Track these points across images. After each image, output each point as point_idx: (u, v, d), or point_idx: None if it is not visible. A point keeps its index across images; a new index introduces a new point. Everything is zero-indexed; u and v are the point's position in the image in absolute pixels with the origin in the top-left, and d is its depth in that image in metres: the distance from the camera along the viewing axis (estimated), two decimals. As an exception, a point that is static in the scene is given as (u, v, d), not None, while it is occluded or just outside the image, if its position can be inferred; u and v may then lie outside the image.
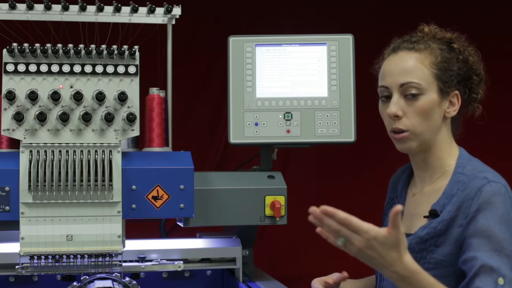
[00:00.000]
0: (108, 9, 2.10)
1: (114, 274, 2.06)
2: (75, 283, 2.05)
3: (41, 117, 1.91)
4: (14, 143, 2.02)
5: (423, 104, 1.73)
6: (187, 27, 3.23)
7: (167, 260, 2.25)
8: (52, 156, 1.91)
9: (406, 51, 1.77)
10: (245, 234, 2.38)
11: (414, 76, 1.73)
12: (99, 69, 1.97)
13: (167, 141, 2.16)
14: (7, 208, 1.92)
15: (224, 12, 3.58)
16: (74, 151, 1.93)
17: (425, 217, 1.73)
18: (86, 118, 1.93)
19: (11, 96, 1.91)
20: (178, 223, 2.24)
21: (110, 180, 1.93)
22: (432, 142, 1.77)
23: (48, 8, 2.06)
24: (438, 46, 1.78)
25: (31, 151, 1.91)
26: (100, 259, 1.96)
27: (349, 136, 2.29)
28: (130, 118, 1.95)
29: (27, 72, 1.94)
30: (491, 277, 1.55)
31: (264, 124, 2.29)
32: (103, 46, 1.96)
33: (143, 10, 2.12)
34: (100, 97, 1.94)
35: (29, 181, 1.89)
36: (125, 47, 1.97)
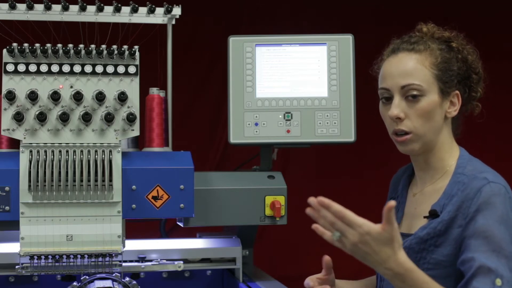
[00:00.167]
0: (108, 9, 2.10)
1: (114, 274, 2.06)
2: (75, 283, 2.05)
3: (41, 117, 1.91)
4: (14, 143, 2.02)
5: (424, 105, 1.73)
6: (187, 27, 3.23)
7: (167, 260, 2.25)
8: (52, 156, 1.91)
9: (406, 52, 1.77)
10: (245, 234, 2.38)
11: (415, 77, 1.73)
12: (99, 69, 1.97)
13: (167, 141, 2.16)
14: (7, 208, 1.92)
15: (224, 12, 3.58)
16: (74, 151, 1.93)
17: (425, 217, 1.73)
18: (86, 118, 1.93)
19: (11, 96, 1.91)
20: (178, 223, 2.24)
21: (110, 180, 1.93)
22: (434, 143, 1.77)
23: (48, 8, 2.06)
24: (438, 46, 1.78)
25: (31, 151, 1.91)
26: (100, 259, 1.96)
27: (349, 136, 2.29)
28: (130, 118, 1.95)
29: (27, 72, 1.94)
30: (488, 278, 1.55)
31: (264, 124, 2.29)
32: (103, 46, 1.96)
33: (143, 10, 2.12)
34: (100, 97, 1.94)
35: (29, 181, 1.89)
36: (125, 47, 1.97)
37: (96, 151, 1.94)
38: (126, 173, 1.97)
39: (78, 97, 1.93)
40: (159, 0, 2.16)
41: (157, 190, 2.01)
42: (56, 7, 2.07)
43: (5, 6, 2.04)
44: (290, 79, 2.31)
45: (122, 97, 1.95)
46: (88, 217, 1.94)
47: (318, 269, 1.80)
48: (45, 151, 1.92)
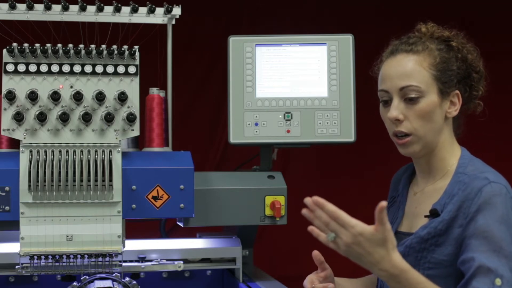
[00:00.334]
0: (108, 9, 2.10)
1: (114, 274, 2.06)
2: (75, 283, 2.05)
3: (41, 117, 1.91)
4: (14, 143, 2.02)
5: (423, 106, 1.72)
6: (187, 27, 3.23)
7: (167, 260, 2.25)
8: (52, 156, 1.91)
9: (404, 54, 1.77)
10: (245, 234, 2.38)
11: (413, 79, 1.73)
12: (99, 69, 1.96)
13: (167, 141, 2.16)
14: (7, 208, 1.92)
15: (224, 12, 3.58)
16: (74, 151, 1.93)
17: (425, 216, 1.73)
18: (86, 118, 1.93)
19: (11, 96, 1.91)
20: (178, 223, 2.24)
21: (110, 180, 1.93)
22: (435, 143, 1.76)
23: (48, 8, 2.06)
24: (437, 47, 1.77)
25: (31, 151, 1.91)
26: (100, 259, 1.96)
27: (349, 136, 2.29)
28: (130, 118, 1.95)
29: (27, 72, 1.94)
30: (488, 278, 1.55)
31: (264, 124, 2.29)
32: (103, 46, 1.96)
33: (143, 10, 2.12)
34: (100, 97, 1.94)
35: (29, 181, 1.89)
36: (125, 47, 1.97)
37: (96, 151, 1.94)
38: (126, 173, 1.97)
39: (78, 97, 1.93)
40: (159, 0, 2.16)
41: (157, 190, 2.01)
42: (56, 7, 2.07)
43: (5, 6, 2.04)
44: (290, 79, 2.31)
45: (122, 97, 1.95)
46: (88, 217, 1.94)
47: (318, 269, 1.80)
48: (45, 151, 1.91)
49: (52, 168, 1.90)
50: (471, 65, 1.80)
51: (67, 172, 1.91)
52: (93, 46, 1.95)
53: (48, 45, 1.94)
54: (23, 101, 1.92)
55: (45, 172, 1.90)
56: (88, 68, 1.96)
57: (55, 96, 1.92)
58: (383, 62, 1.81)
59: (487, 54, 1.87)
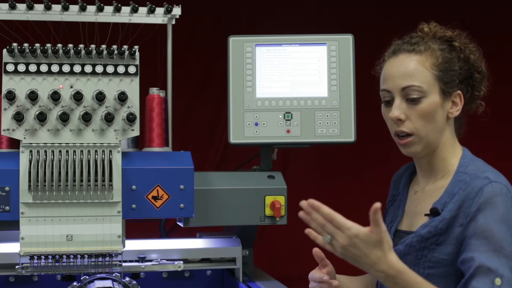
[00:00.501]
0: (108, 9, 2.10)
1: (114, 274, 2.06)
2: (75, 283, 2.05)
3: (41, 117, 1.91)
4: (14, 143, 2.02)
5: (425, 106, 1.72)
6: (187, 27, 3.23)
7: (167, 260, 2.25)
8: (52, 156, 1.91)
9: (407, 54, 1.77)
10: (245, 234, 2.38)
11: (415, 79, 1.73)
12: (99, 69, 1.96)
13: (167, 141, 2.16)
14: (7, 208, 1.92)
15: (224, 12, 3.58)
16: (74, 151, 1.93)
17: (426, 215, 1.73)
18: (86, 118, 1.93)
19: (11, 96, 1.90)
20: (178, 223, 2.24)
21: (110, 180, 1.93)
22: (437, 143, 1.76)
23: (48, 8, 2.06)
24: (439, 47, 1.77)
25: (31, 151, 1.91)
26: (100, 259, 1.96)
27: (349, 136, 2.29)
28: (130, 118, 1.95)
29: (27, 72, 1.94)
30: (488, 278, 1.55)
31: (264, 124, 2.29)
32: (103, 46, 1.96)
33: (143, 10, 2.12)
34: (100, 97, 1.94)
35: (29, 181, 1.89)
36: (125, 47, 1.97)
37: (96, 151, 1.94)
38: (126, 173, 1.97)
39: (78, 97, 1.93)
40: (159, 0, 2.16)
41: (157, 190, 2.01)
42: (56, 7, 2.07)
43: (5, 6, 2.04)
44: (290, 79, 2.31)
45: (122, 97, 1.95)
46: (88, 217, 1.94)
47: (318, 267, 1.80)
48: (45, 151, 1.91)
49: (52, 168, 1.90)
50: (473, 65, 1.79)
51: (67, 172, 1.91)
52: (93, 46, 1.95)
53: (48, 45, 1.94)
54: (23, 101, 1.92)
55: (45, 172, 1.90)
56: (88, 68, 1.96)
57: (55, 96, 1.92)
58: (385, 62, 1.81)
59: (487, 54, 1.87)
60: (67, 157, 1.92)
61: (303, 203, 1.55)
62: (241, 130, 2.28)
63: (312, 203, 1.54)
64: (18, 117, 1.90)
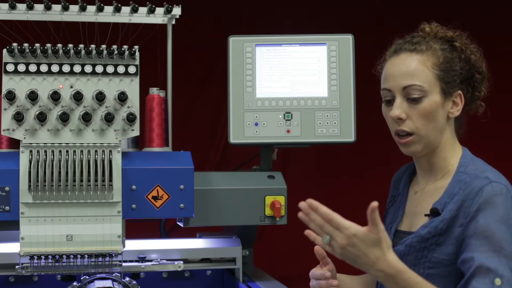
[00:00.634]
0: (108, 9, 2.10)
1: (114, 274, 2.06)
2: (75, 283, 2.05)
3: (41, 117, 1.91)
4: (14, 143, 2.02)
5: (426, 106, 1.72)
6: (187, 27, 3.23)
7: (167, 260, 2.25)
8: (52, 156, 1.91)
9: (408, 53, 1.77)
10: (245, 234, 2.38)
11: (416, 78, 1.73)
12: (99, 69, 1.96)
13: (167, 141, 2.16)
14: (7, 208, 1.92)
15: (224, 12, 3.58)
16: (74, 151, 1.93)
17: (426, 215, 1.73)
18: (86, 118, 1.93)
19: (11, 96, 1.90)
20: (178, 223, 2.24)
21: (110, 180, 1.93)
22: (437, 143, 1.76)
23: (48, 8, 2.06)
24: (440, 47, 1.77)
25: (31, 151, 1.91)
26: (100, 259, 1.96)
27: (349, 136, 2.29)
28: (130, 118, 1.95)
29: (27, 72, 1.94)
30: (487, 278, 1.55)
31: (264, 124, 2.29)
32: (103, 46, 1.96)
33: (143, 10, 2.12)
34: (100, 97, 1.94)
35: (29, 181, 1.89)
36: (125, 47, 1.97)
37: (96, 151, 1.94)
38: (126, 173, 1.97)
39: (78, 97, 1.93)
40: (159, 0, 2.16)
41: (157, 190, 2.01)
42: (56, 7, 2.07)
43: (5, 6, 2.04)
44: (290, 79, 2.31)
45: (122, 97, 1.95)
46: (88, 217, 1.94)
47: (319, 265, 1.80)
48: (45, 151, 1.91)
49: (52, 168, 1.90)
50: (474, 65, 1.80)
51: (67, 172, 1.91)
52: (93, 46, 1.95)
53: (48, 45, 1.94)
54: (23, 101, 1.92)
55: (45, 172, 1.90)
56: (88, 68, 1.96)
57: (55, 96, 1.92)
58: (387, 61, 1.82)
59: (487, 54, 1.87)
60: (67, 157, 1.92)
61: (302, 204, 1.55)
62: (241, 130, 2.28)
63: (310, 203, 1.54)
64: (18, 117, 1.90)
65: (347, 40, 2.31)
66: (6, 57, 1.93)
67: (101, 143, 1.95)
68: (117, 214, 1.95)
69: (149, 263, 2.22)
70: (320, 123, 2.28)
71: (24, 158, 1.91)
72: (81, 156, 1.92)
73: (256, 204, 2.20)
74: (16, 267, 1.97)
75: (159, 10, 2.13)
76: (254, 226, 2.33)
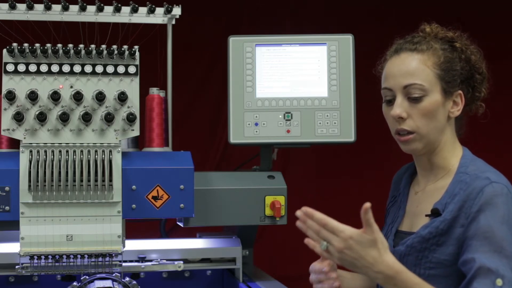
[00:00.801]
0: (108, 9, 2.10)
1: (114, 274, 2.06)
2: (75, 283, 2.05)
3: (41, 117, 1.91)
4: (14, 143, 2.02)
5: (427, 105, 1.73)
6: (187, 27, 3.23)
7: (167, 260, 2.25)
8: (52, 156, 1.91)
9: (409, 53, 1.77)
10: (245, 234, 2.38)
11: (417, 77, 1.73)
12: (99, 69, 1.96)
13: (167, 141, 2.16)
14: (7, 208, 1.92)
15: (224, 12, 3.59)
16: (74, 151, 1.93)
17: (427, 215, 1.74)
18: (86, 118, 1.93)
19: (11, 96, 1.90)
20: (178, 223, 2.24)
21: (110, 180, 1.93)
22: (437, 143, 1.77)
23: (48, 8, 2.06)
24: (441, 46, 1.78)
25: (31, 151, 1.91)
26: (100, 259, 1.96)
27: (349, 136, 2.29)
28: (130, 118, 1.95)
29: (27, 72, 1.94)
30: (489, 279, 1.55)
31: (264, 124, 2.29)
32: (103, 46, 1.96)
33: (143, 10, 2.12)
34: (100, 97, 1.94)
35: (29, 181, 1.89)
36: (125, 47, 1.97)
37: (96, 151, 1.94)
38: (126, 173, 1.97)
39: (78, 97, 1.93)
40: (159, 0, 2.16)
41: (157, 190, 2.01)
42: (56, 7, 2.07)
43: (5, 6, 2.04)
44: (290, 79, 2.31)
45: (122, 97, 1.95)
46: (88, 217, 1.94)
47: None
48: (45, 151, 1.91)
49: (52, 168, 1.90)
50: (474, 66, 1.80)
51: (67, 172, 1.91)
52: (93, 46, 1.95)
53: (48, 45, 1.93)
54: (23, 101, 1.92)
55: (45, 172, 1.90)
56: (88, 68, 1.96)
57: (55, 96, 1.92)
58: (387, 61, 1.82)
59: (487, 54, 1.87)
60: (67, 157, 1.92)
61: (299, 212, 1.58)
62: (241, 130, 2.28)
63: (305, 211, 1.57)
64: (18, 117, 1.90)
65: (347, 40, 2.31)
66: (6, 57, 1.93)
67: (101, 143, 1.95)
68: (117, 214, 1.95)
69: (149, 263, 2.22)
70: (320, 123, 2.28)
71: (24, 158, 1.91)
72: (81, 156, 1.92)
73: (256, 204, 2.20)
74: (16, 267, 1.97)
75: (159, 10, 2.13)
76: (254, 226, 2.33)
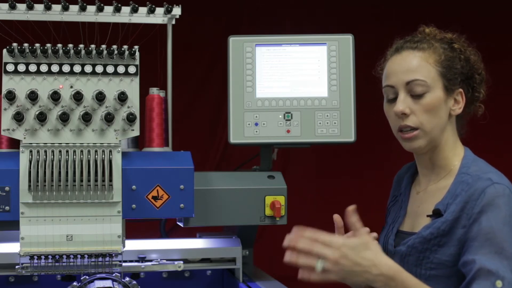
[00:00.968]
0: (108, 9, 2.10)
1: (114, 274, 2.06)
2: (75, 283, 2.05)
3: (41, 117, 1.91)
4: (14, 143, 2.02)
5: (429, 101, 1.73)
6: (187, 27, 3.23)
7: (167, 260, 2.25)
8: (52, 156, 1.91)
9: (410, 51, 1.78)
10: (245, 234, 2.38)
11: (419, 74, 1.74)
12: (99, 69, 1.96)
13: (167, 141, 2.16)
14: (7, 208, 1.92)
15: (224, 12, 3.59)
16: (74, 151, 1.93)
17: (428, 216, 1.73)
18: (86, 118, 1.93)
19: (11, 96, 1.90)
20: (178, 223, 2.24)
21: (110, 180, 1.93)
22: (439, 140, 1.77)
23: (48, 8, 2.06)
24: (441, 45, 1.79)
25: (31, 151, 1.91)
26: (100, 259, 1.96)
27: (349, 136, 2.29)
28: (130, 118, 1.95)
29: (27, 72, 1.94)
30: (488, 281, 1.55)
31: (264, 124, 2.29)
32: (103, 46, 1.96)
33: (143, 10, 2.12)
34: (100, 97, 1.94)
35: (29, 181, 1.89)
36: (125, 47, 1.97)
37: (96, 151, 1.94)
38: (126, 173, 1.97)
39: (78, 97, 1.93)
40: (159, 0, 2.16)
41: (157, 190, 2.01)
42: (56, 7, 2.07)
43: (5, 6, 2.04)
44: (290, 79, 2.31)
45: (122, 97, 1.95)
46: (88, 217, 1.94)
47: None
48: (45, 151, 1.91)
49: (52, 168, 1.90)
50: (473, 66, 1.81)
51: (67, 172, 1.91)
52: (93, 46, 1.95)
53: (48, 45, 1.93)
54: (23, 101, 1.92)
55: (45, 172, 1.90)
56: (88, 68, 1.96)
57: (55, 96, 1.92)
58: (388, 60, 1.82)
59: (487, 54, 1.87)
60: (67, 157, 1.92)
61: (285, 244, 1.59)
62: (241, 130, 2.28)
63: (296, 234, 1.56)
64: (18, 117, 1.90)
65: (347, 40, 2.31)
66: (6, 57, 1.93)
67: (101, 143, 1.95)
68: (117, 214, 1.95)
69: (149, 263, 2.22)
70: (320, 123, 2.28)
71: (24, 158, 1.91)
72: (81, 156, 1.92)
73: (256, 204, 2.20)
74: (16, 267, 1.97)
75: (159, 10, 2.13)
76: (254, 226, 2.33)
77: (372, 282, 1.55)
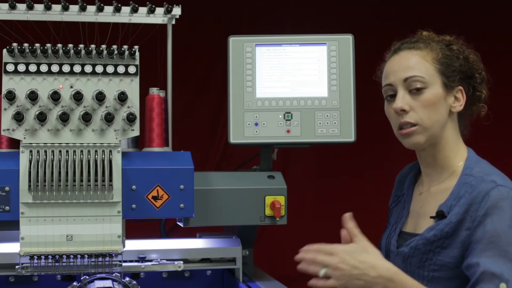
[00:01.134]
0: (108, 9, 2.10)
1: (114, 274, 2.06)
2: (75, 283, 2.05)
3: (41, 117, 1.91)
4: (14, 143, 2.02)
5: (428, 97, 1.73)
6: (187, 27, 3.23)
7: (167, 260, 2.25)
8: (52, 156, 1.91)
9: (408, 50, 1.79)
10: (245, 234, 2.38)
11: (417, 70, 1.75)
12: (99, 69, 1.96)
13: (167, 141, 2.16)
14: (7, 208, 1.92)
15: (224, 12, 3.59)
16: (74, 151, 1.93)
17: (432, 217, 1.73)
18: (86, 118, 1.93)
19: (11, 96, 1.90)
20: (178, 223, 2.24)
21: (110, 180, 1.93)
22: (439, 137, 1.77)
23: (48, 8, 2.06)
24: (438, 45, 1.79)
25: (31, 151, 1.91)
26: (100, 259, 1.96)
27: (349, 136, 2.29)
28: (130, 118, 1.95)
29: (27, 72, 1.94)
30: (493, 284, 1.55)
31: (264, 124, 2.29)
32: (103, 46, 1.96)
33: (143, 10, 2.12)
34: (100, 97, 1.94)
35: (29, 181, 1.89)
36: (125, 47, 1.97)
37: (96, 151, 1.94)
38: (126, 173, 1.97)
39: (78, 97, 1.93)
40: (159, 0, 2.16)
41: (157, 190, 2.01)
42: (56, 7, 2.07)
43: (5, 6, 2.04)
44: (290, 79, 2.31)
45: (122, 97, 1.95)
46: (88, 217, 1.94)
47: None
48: (45, 151, 1.91)
49: (52, 168, 1.90)
50: (473, 65, 1.81)
51: (67, 172, 1.91)
52: (93, 46, 1.95)
53: (48, 45, 1.93)
54: (23, 101, 1.92)
55: (45, 172, 1.90)
56: (88, 68, 1.96)
57: (55, 96, 1.92)
58: (386, 62, 1.83)
59: (487, 54, 1.87)
60: (67, 157, 1.92)
61: (297, 258, 1.68)
62: (241, 130, 2.28)
63: (305, 249, 1.66)
64: (18, 117, 1.90)
65: (347, 40, 2.31)
66: (6, 57, 1.93)
67: (101, 143, 1.95)
68: (117, 214, 1.95)
69: (149, 263, 2.22)
70: (320, 123, 2.28)
71: (24, 158, 1.91)
72: (81, 156, 1.92)
73: (256, 204, 2.20)
74: (16, 267, 1.97)
75: (159, 10, 2.13)
76: (254, 226, 2.32)
77: (372, 284, 1.55)
